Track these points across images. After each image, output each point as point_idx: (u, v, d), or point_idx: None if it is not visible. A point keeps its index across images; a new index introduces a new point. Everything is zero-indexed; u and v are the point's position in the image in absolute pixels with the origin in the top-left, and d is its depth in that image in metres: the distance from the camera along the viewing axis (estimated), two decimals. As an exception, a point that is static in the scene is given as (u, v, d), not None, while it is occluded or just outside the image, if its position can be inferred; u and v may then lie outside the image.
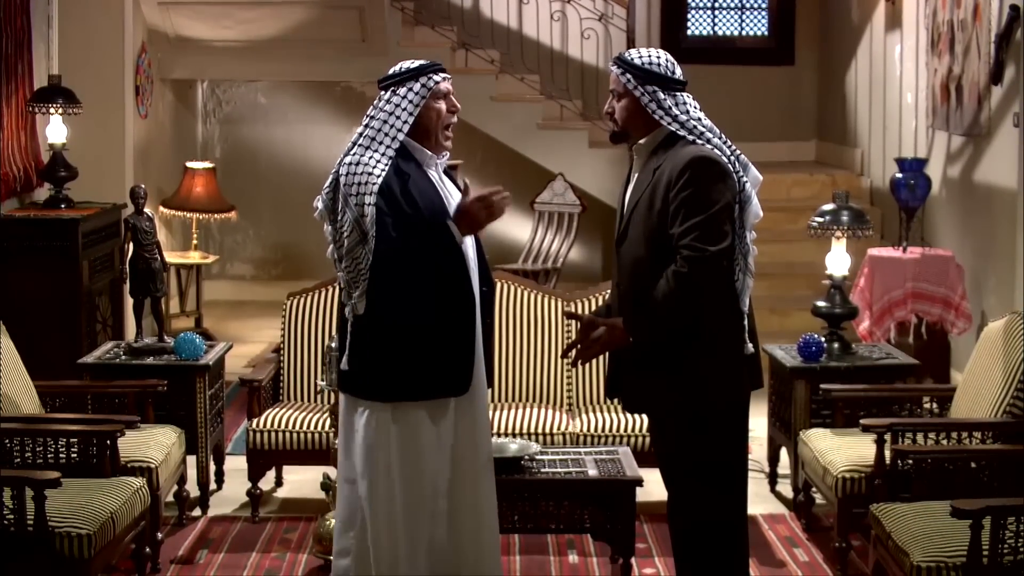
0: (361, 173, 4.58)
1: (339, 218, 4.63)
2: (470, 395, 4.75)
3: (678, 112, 4.73)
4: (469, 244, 4.76)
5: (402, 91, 4.69)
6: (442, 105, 4.75)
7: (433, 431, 4.67)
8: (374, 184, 4.56)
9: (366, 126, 4.68)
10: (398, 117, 4.67)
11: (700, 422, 4.72)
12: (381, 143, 4.65)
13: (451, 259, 4.66)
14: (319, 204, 4.71)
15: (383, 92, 4.73)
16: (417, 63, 4.75)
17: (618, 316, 4.82)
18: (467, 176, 11.19)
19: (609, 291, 5.29)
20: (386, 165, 4.61)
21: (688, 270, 4.57)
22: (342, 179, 4.61)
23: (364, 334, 4.68)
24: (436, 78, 4.73)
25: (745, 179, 4.75)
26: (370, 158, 4.61)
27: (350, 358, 4.70)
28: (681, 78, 4.78)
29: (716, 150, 4.69)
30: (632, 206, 4.77)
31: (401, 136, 4.67)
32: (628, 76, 4.76)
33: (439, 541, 4.69)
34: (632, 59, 4.77)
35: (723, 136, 4.77)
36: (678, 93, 4.77)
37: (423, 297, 4.62)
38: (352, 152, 4.65)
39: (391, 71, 4.76)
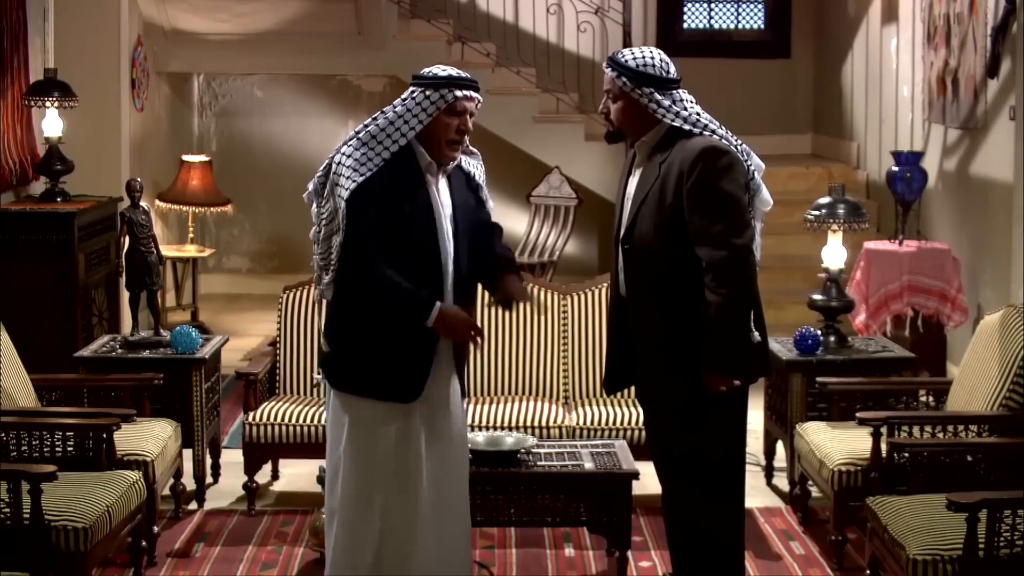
0: (349, 167, 4.59)
1: (323, 203, 4.68)
2: (432, 399, 4.73)
3: (679, 109, 4.74)
4: (449, 258, 4.74)
5: (419, 96, 4.67)
6: (454, 122, 4.70)
7: (386, 430, 4.69)
8: (355, 182, 4.57)
9: (373, 120, 4.68)
10: (406, 122, 4.66)
11: (705, 413, 4.73)
12: (380, 143, 4.63)
13: (424, 276, 4.66)
14: (310, 187, 4.76)
15: (411, 88, 4.72)
16: (447, 73, 4.70)
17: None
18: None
19: (607, 287, 5.30)
20: (377, 165, 4.60)
21: (724, 270, 4.59)
22: (334, 167, 4.64)
23: (331, 323, 4.79)
24: (458, 93, 4.67)
25: (752, 166, 4.77)
26: (363, 154, 4.60)
27: (325, 340, 4.82)
28: (675, 76, 4.79)
29: (723, 140, 4.71)
30: (639, 202, 4.77)
31: (403, 141, 4.65)
32: (624, 79, 4.76)
33: (390, 538, 4.71)
34: (626, 61, 4.77)
35: (724, 127, 4.78)
36: (674, 91, 4.78)
37: (386, 300, 4.66)
38: (349, 143, 4.65)
39: (426, 71, 4.73)
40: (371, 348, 4.67)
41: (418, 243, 4.66)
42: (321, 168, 4.72)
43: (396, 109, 4.68)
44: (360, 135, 4.66)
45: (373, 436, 4.69)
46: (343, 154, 4.63)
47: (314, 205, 4.74)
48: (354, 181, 4.57)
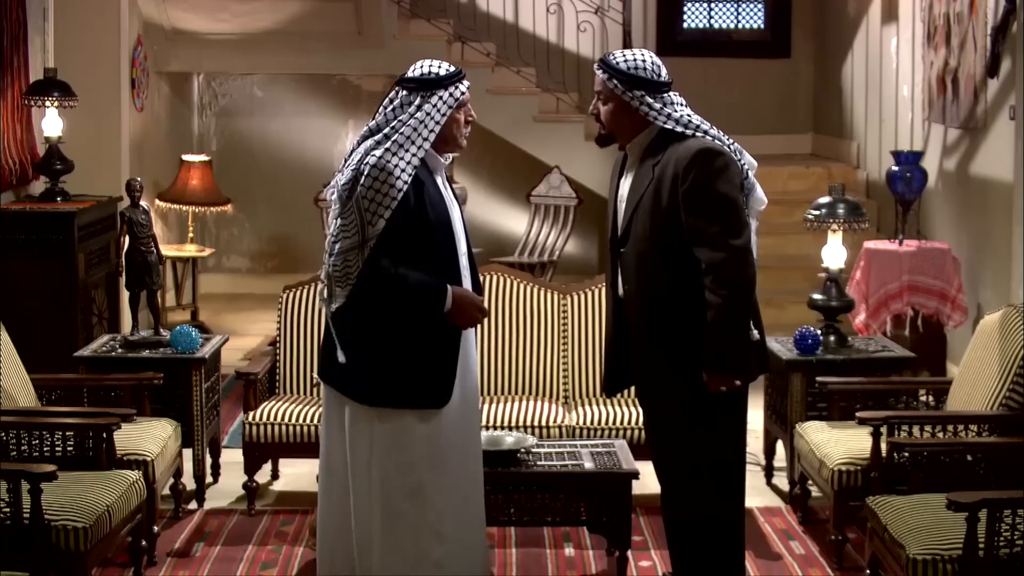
0: (384, 183, 4.54)
1: (347, 215, 4.59)
2: (459, 402, 4.73)
3: (670, 111, 4.74)
4: (464, 253, 4.76)
5: (433, 100, 4.65)
6: (461, 115, 4.74)
7: (416, 438, 4.67)
8: (394, 199, 4.54)
9: (394, 129, 4.62)
10: (426, 126, 4.64)
11: (705, 413, 4.73)
12: (408, 151, 4.60)
13: (443, 274, 4.67)
14: (332, 197, 4.68)
15: (407, 94, 4.68)
16: (444, 69, 4.70)
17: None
18: (464, 169, 11.19)
19: (604, 288, 5.30)
20: (410, 175, 4.57)
21: (724, 271, 4.59)
22: (362, 179, 4.57)
23: (353, 339, 4.69)
24: (462, 87, 4.71)
25: (745, 165, 4.76)
26: (395, 166, 4.55)
27: (343, 352, 4.70)
28: (667, 79, 4.78)
29: (716, 140, 4.71)
30: (633, 205, 4.77)
31: (428, 145, 4.64)
32: (615, 81, 4.76)
33: (426, 551, 4.68)
34: (617, 63, 4.76)
35: (715, 127, 4.78)
36: (665, 94, 4.77)
37: (404, 294, 4.64)
38: (380, 156, 4.58)
39: (417, 73, 4.70)
40: (399, 357, 4.64)
41: (440, 244, 4.68)
42: (347, 179, 4.60)
43: (416, 115, 4.65)
44: (389, 147, 4.58)
45: (404, 445, 4.66)
46: (374, 167, 4.54)
47: (335, 217, 4.64)
48: (393, 199, 4.53)
